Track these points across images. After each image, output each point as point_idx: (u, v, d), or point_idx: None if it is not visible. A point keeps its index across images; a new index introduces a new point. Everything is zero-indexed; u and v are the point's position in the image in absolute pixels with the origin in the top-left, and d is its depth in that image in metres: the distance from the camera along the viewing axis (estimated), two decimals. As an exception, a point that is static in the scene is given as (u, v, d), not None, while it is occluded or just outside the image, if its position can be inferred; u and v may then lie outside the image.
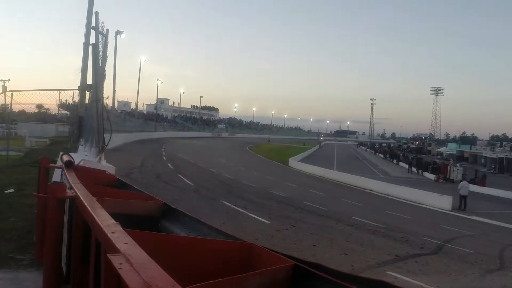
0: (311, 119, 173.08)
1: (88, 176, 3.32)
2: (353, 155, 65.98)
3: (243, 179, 21.42)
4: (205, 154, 37.25)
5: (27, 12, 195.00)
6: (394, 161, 52.14)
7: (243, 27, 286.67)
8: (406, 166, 44.53)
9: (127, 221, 1.69)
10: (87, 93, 9.35)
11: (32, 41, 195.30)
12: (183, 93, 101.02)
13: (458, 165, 39.96)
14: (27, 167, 12.00)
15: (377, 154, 55.23)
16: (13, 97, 14.46)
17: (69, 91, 12.88)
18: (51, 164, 4.51)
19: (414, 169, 40.76)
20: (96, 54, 6.45)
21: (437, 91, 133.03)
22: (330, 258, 8.35)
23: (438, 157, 60.50)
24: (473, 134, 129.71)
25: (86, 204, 1.91)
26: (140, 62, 56.89)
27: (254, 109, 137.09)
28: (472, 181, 29.22)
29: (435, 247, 10.57)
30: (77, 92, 11.36)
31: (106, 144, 6.13)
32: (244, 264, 1.62)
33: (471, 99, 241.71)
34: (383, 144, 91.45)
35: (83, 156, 5.77)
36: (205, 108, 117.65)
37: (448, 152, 66.78)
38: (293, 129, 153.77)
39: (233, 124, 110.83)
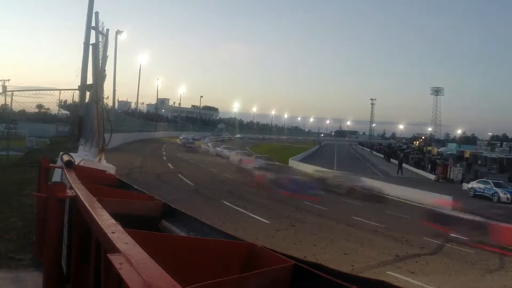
0: (311, 119, 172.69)
1: (88, 176, 3.32)
2: (354, 155, 66.00)
3: (243, 179, 21.40)
4: (205, 154, 37.23)
5: (27, 12, 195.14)
6: (392, 160, 52.07)
7: (243, 27, 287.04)
8: (408, 166, 44.54)
9: (127, 221, 1.69)
10: (87, 93, 9.36)
11: (32, 41, 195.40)
12: (184, 93, 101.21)
13: (458, 165, 39.96)
14: (27, 167, 12.02)
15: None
16: (13, 97, 14.51)
17: (69, 91, 12.93)
18: (51, 164, 4.52)
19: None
20: (96, 54, 6.44)
21: (437, 91, 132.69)
22: (330, 258, 8.35)
23: (439, 157, 60.45)
24: (473, 134, 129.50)
25: (86, 204, 1.92)
26: (140, 63, 56.98)
27: (254, 109, 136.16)
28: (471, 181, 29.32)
29: (435, 247, 10.58)
30: (77, 92, 11.39)
31: (106, 144, 6.13)
32: (244, 264, 1.63)
33: (471, 99, 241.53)
34: (382, 145, 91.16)
35: (83, 156, 5.77)
36: (205, 108, 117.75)
37: (448, 152, 66.78)
38: (293, 129, 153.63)
39: (233, 124, 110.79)
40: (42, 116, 44.47)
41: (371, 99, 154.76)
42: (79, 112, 10.02)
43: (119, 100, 70.68)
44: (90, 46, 7.75)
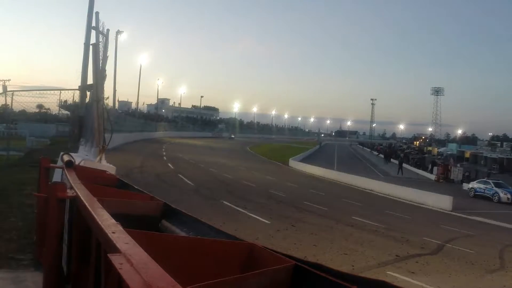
0: (312, 119, 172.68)
1: (88, 176, 3.33)
2: (354, 155, 66.00)
3: (243, 179, 21.41)
4: (205, 154, 37.24)
5: (28, 12, 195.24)
6: (392, 160, 52.06)
7: (244, 27, 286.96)
8: (408, 166, 44.57)
9: (128, 221, 1.69)
10: (88, 93, 9.36)
11: (33, 41, 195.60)
12: (184, 93, 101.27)
13: (458, 165, 39.95)
14: (27, 167, 12.02)
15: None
16: (14, 97, 14.53)
17: (69, 91, 12.94)
18: (51, 164, 4.52)
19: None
20: (96, 54, 6.44)
21: (437, 91, 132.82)
22: (330, 258, 8.34)
23: (439, 157, 60.46)
24: (473, 134, 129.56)
25: (86, 204, 1.92)
26: (140, 63, 56.99)
27: (254, 109, 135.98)
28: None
29: (435, 247, 10.57)
30: (78, 92, 11.39)
31: (106, 144, 6.13)
32: (244, 264, 1.63)
33: (471, 99, 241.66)
34: (382, 145, 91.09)
35: (84, 156, 5.78)
36: (205, 108, 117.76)
37: (449, 152, 66.77)
38: (293, 129, 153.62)
39: (233, 124, 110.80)
40: (42, 116, 44.45)
41: (371, 99, 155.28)
42: (79, 112, 10.02)
43: (120, 100, 70.81)
44: (91, 46, 7.76)
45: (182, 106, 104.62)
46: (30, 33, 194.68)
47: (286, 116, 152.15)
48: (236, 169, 27.08)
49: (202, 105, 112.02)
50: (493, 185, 26.04)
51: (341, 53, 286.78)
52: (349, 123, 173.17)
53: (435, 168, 38.51)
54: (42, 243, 2.88)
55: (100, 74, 6.44)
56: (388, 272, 7.81)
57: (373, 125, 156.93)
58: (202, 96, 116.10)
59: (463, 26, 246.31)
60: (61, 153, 4.77)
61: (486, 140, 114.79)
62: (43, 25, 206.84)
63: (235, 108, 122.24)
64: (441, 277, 8.12)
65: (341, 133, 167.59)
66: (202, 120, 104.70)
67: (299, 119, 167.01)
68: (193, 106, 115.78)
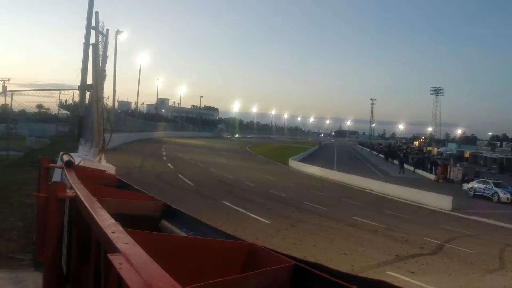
0: (311, 119, 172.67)
1: (88, 176, 3.33)
2: (353, 155, 66.01)
3: (243, 179, 21.41)
4: (205, 154, 37.25)
5: (28, 12, 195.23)
6: (394, 161, 52.09)
7: (243, 27, 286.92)
8: (408, 166, 44.57)
9: (127, 221, 1.69)
10: (87, 93, 9.37)
11: (33, 41, 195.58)
12: (184, 93, 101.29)
13: (458, 165, 39.95)
14: (27, 167, 12.02)
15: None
16: (13, 97, 14.54)
17: (69, 91, 12.94)
18: (51, 164, 4.52)
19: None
20: (96, 54, 6.44)
21: (437, 91, 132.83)
22: (330, 258, 8.34)
23: (439, 157, 60.46)
24: (473, 134, 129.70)
25: (86, 204, 1.91)
26: (140, 63, 56.98)
27: (254, 109, 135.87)
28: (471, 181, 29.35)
29: (435, 247, 10.57)
30: (77, 92, 11.40)
31: (106, 144, 6.13)
32: (244, 264, 1.63)
33: (471, 99, 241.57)
34: (382, 145, 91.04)
35: (83, 156, 5.78)
36: (205, 108, 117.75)
37: (448, 152, 66.78)
38: (293, 129, 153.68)
39: (233, 124, 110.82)
40: (42, 116, 44.51)
41: (371, 99, 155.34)
42: (79, 112, 10.03)
43: (119, 100, 70.70)
44: (90, 46, 7.75)
45: (181, 106, 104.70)
46: (30, 33, 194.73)
47: (285, 116, 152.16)
48: (236, 169, 27.08)
49: (202, 105, 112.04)
50: (492, 185, 26.04)
51: (341, 53, 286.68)
52: (348, 123, 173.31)
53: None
54: (42, 243, 2.88)
55: (99, 74, 6.43)
56: (388, 272, 7.81)
57: (373, 125, 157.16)
58: (202, 96, 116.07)
59: (463, 26, 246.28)
60: (61, 153, 4.77)
61: (486, 140, 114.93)
62: (43, 24, 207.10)
63: (235, 108, 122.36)
64: (441, 277, 8.12)
65: (340, 133, 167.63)
66: (202, 120, 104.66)
67: (299, 119, 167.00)
68: (193, 106, 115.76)
